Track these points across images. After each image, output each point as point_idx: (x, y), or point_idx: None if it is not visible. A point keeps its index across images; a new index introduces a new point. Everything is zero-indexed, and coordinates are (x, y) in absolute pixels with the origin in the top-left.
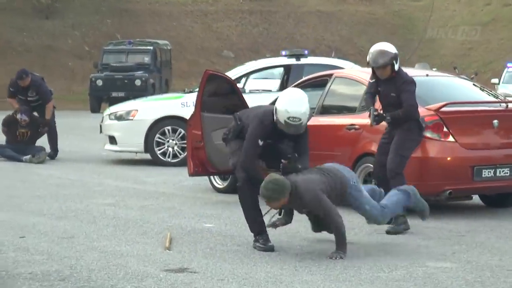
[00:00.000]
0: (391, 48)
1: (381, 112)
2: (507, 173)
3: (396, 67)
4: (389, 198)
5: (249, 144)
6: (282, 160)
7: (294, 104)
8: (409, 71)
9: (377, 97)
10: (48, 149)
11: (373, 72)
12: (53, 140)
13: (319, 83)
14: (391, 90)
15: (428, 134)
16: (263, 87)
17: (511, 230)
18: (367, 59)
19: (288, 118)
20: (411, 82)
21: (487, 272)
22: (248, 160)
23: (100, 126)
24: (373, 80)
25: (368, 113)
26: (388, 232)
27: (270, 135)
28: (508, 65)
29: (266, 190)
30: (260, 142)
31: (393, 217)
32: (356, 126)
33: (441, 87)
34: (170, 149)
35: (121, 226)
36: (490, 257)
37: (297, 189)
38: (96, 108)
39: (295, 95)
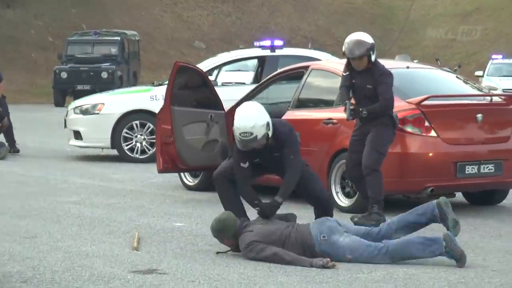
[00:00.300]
0: (367, 38)
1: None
2: (492, 169)
3: (373, 58)
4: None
5: (235, 171)
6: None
7: (242, 119)
8: (389, 63)
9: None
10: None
11: (348, 63)
12: (8, 132)
13: (295, 76)
14: (367, 82)
15: (409, 128)
16: (236, 79)
17: (495, 228)
18: (343, 49)
19: (240, 134)
20: (388, 74)
21: (470, 272)
22: (239, 186)
23: (65, 120)
24: (347, 73)
25: (344, 107)
26: (355, 223)
27: (253, 155)
28: (493, 57)
29: (211, 228)
30: (245, 165)
31: (368, 207)
32: (334, 121)
33: (423, 79)
34: (138, 144)
35: (86, 225)
36: (474, 257)
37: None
38: (60, 102)
39: (243, 110)
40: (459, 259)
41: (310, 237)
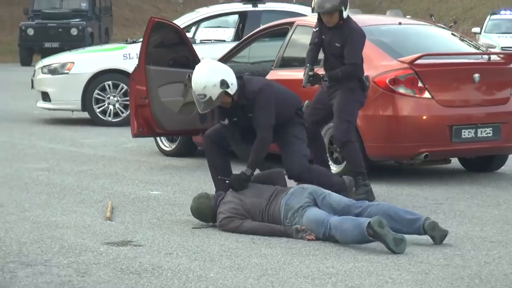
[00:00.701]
0: None
1: (322, 71)
2: (490, 133)
3: (345, 14)
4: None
5: (223, 129)
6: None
7: (194, 81)
8: (380, 19)
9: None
10: None
11: (319, 18)
12: None
13: (279, 33)
14: (336, 40)
15: (401, 89)
16: (215, 37)
17: (493, 197)
18: (312, 4)
19: (196, 96)
20: (359, 34)
21: (467, 244)
22: (231, 145)
23: (32, 81)
24: (317, 29)
25: (304, 70)
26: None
27: (231, 114)
28: (502, 12)
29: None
30: (224, 122)
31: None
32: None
33: (416, 37)
34: (111, 106)
35: (56, 194)
36: (471, 228)
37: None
38: (26, 61)
39: (195, 71)
40: (389, 246)
41: (279, 218)
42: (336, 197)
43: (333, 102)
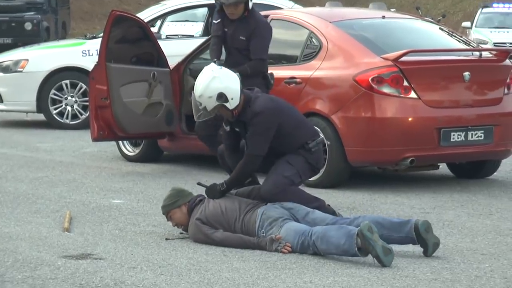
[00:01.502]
0: None
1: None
2: (481, 136)
3: (250, 4)
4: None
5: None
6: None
7: (195, 86)
8: (362, 12)
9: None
10: None
11: (220, 9)
12: None
13: None
14: (240, 33)
15: (385, 89)
16: (183, 31)
17: (485, 206)
18: None
19: (195, 100)
20: (266, 27)
21: (456, 256)
22: (224, 151)
23: None
24: (218, 21)
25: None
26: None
27: (234, 123)
28: (494, 5)
29: (167, 195)
30: (227, 128)
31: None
32: (297, 80)
33: (401, 32)
34: (69, 108)
35: (9, 203)
36: (461, 239)
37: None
38: None
39: (200, 75)
40: (377, 254)
41: (253, 228)
42: (320, 214)
43: None
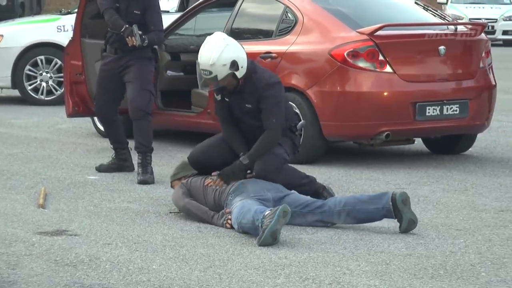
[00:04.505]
0: None
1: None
2: (456, 110)
3: None
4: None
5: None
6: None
7: (203, 54)
8: None
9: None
10: None
11: None
12: None
13: (227, 2)
14: (134, 7)
15: (360, 63)
16: None
17: (460, 181)
18: None
19: (201, 70)
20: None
21: (431, 232)
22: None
23: None
24: None
25: (128, 33)
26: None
27: (226, 94)
28: None
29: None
30: (218, 97)
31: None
32: (273, 55)
33: (376, 6)
34: (44, 84)
35: None
36: (436, 214)
37: None
38: None
39: (207, 43)
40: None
41: (223, 203)
42: (295, 196)
43: (126, 73)
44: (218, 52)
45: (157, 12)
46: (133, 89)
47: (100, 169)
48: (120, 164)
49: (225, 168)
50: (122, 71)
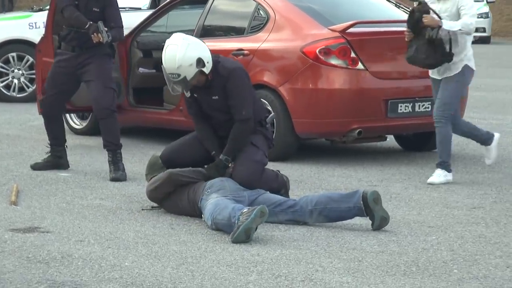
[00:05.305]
0: None
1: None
2: (428, 107)
3: None
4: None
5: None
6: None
7: (167, 59)
8: None
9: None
10: None
11: None
12: None
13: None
14: (93, 5)
15: (332, 60)
16: (129, 4)
17: None
18: None
19: (168, 74)
20: None
21: (404, 229)
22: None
23: None
24: None
25: (93, 29)
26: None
27: (194, 89)
28: None
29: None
30: (187, 94)
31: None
32: (245, 52)
33: (348, 3)
34: (16, 81)
35: None
36: (408, 211)
37: None
38: None
39: (168, 47)
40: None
41: (198, 199)
42: (268, 195)
43: (84, 71)
44: (181, 53)
45: (116, 9)
46: (96, 88)
47: (35, 167)
48: (55, 161)
49: (209, 165)
50: (79, 69)
